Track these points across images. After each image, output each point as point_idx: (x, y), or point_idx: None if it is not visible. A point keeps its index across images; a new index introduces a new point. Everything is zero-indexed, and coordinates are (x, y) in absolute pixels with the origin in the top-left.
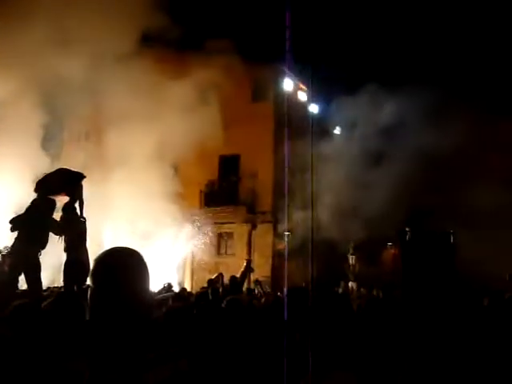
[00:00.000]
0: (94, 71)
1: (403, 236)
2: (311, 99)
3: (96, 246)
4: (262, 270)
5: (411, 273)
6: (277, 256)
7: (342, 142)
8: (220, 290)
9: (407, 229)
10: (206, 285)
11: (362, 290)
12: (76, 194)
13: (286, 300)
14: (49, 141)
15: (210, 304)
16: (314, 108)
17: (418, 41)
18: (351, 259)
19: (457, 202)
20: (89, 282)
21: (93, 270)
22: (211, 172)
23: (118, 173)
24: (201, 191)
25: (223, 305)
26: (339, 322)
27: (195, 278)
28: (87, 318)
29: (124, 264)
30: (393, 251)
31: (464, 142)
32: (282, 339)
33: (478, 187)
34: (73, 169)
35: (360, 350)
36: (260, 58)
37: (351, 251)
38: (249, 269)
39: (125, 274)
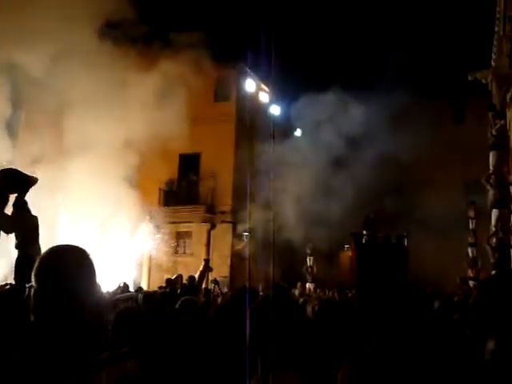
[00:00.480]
0: (55, 61)
1: (359, 239)
2: (273, 100)
3: (49, 238)
4: (220, 270)
5: (365, 275)
6: (235, 256)
7: (303, 143)
8: (178, 290)
9: (364, 232)
10: (163, 284)
11: (318, 291)
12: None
13: (248, 301)
14: (5, 129)
15: (165, 304)
16: (275, 109)
17: (380, 44)
18: (309, 260)
19: (415, 205)
20: (32, 280)
21: (35, 268)
22: (171, 170)
23: (75, 164)
24: (160, 189)
25: (177, 305)
26: (289, 322)
27: (152, 276)
28: (31, 318)
29: (67, 262)
30: (350, 253)
31: (424, 147)
32: (235, 339)
33: (437, 191)
34: (25, 171)
35: (308, 351)
36: (223, 58)
37: (309, 252)
38: (207, 268)
39: (67, 272)
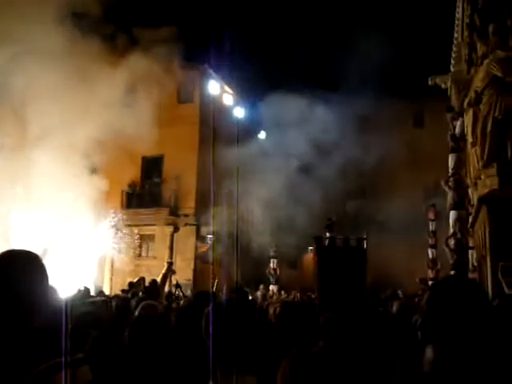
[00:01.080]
0: (16, 55)
1: (320, 242)
2: (237, 102)
3: (4, 241)
4: (183, 273)
5: (326, 277)
6: (199, 259)
7: (268, 145)
8: (140, 293)
9: (328, 234)
10: (126, 287)
11: (282, 292)
12: None
13: (211, 305)
14: None
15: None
16: (239, 111)
17: (342, 47)
18: (273, 263)
19: (377, 207)
20: None
21: None
22: (134, 173)
23: (35, 157)
24: (123, 191)
25: (137, 310)
26: (249, 325)
27: (114, 279)
28: None
29: (17, 267)
30: (312, 256)
31: (385, 151)
32: (194, 344)
33: (397, 194)
34: None
35: (266, 354)
36: (186, 59)
37: (273, 255)
38: (170, 271)
39: (17, 277)
